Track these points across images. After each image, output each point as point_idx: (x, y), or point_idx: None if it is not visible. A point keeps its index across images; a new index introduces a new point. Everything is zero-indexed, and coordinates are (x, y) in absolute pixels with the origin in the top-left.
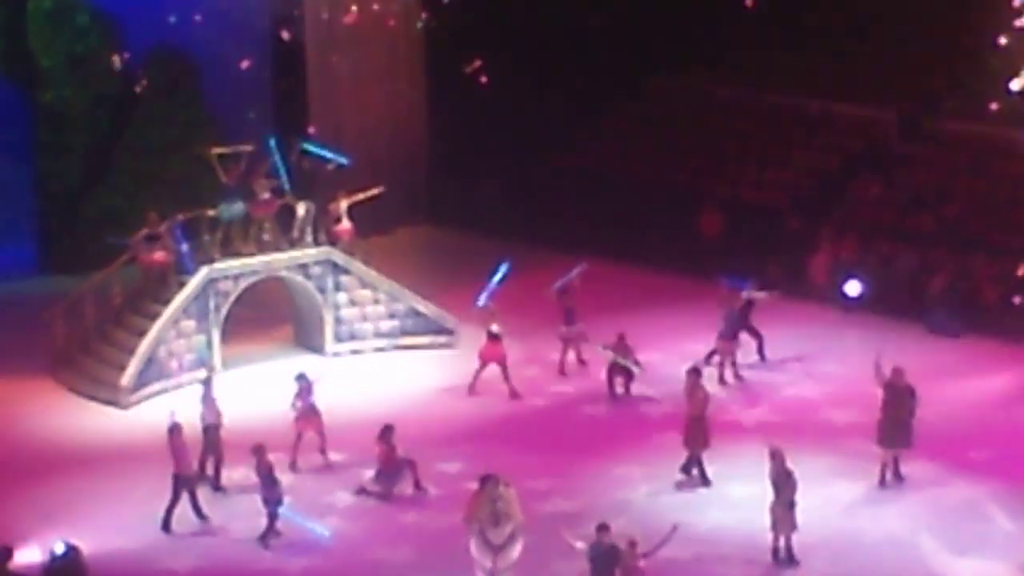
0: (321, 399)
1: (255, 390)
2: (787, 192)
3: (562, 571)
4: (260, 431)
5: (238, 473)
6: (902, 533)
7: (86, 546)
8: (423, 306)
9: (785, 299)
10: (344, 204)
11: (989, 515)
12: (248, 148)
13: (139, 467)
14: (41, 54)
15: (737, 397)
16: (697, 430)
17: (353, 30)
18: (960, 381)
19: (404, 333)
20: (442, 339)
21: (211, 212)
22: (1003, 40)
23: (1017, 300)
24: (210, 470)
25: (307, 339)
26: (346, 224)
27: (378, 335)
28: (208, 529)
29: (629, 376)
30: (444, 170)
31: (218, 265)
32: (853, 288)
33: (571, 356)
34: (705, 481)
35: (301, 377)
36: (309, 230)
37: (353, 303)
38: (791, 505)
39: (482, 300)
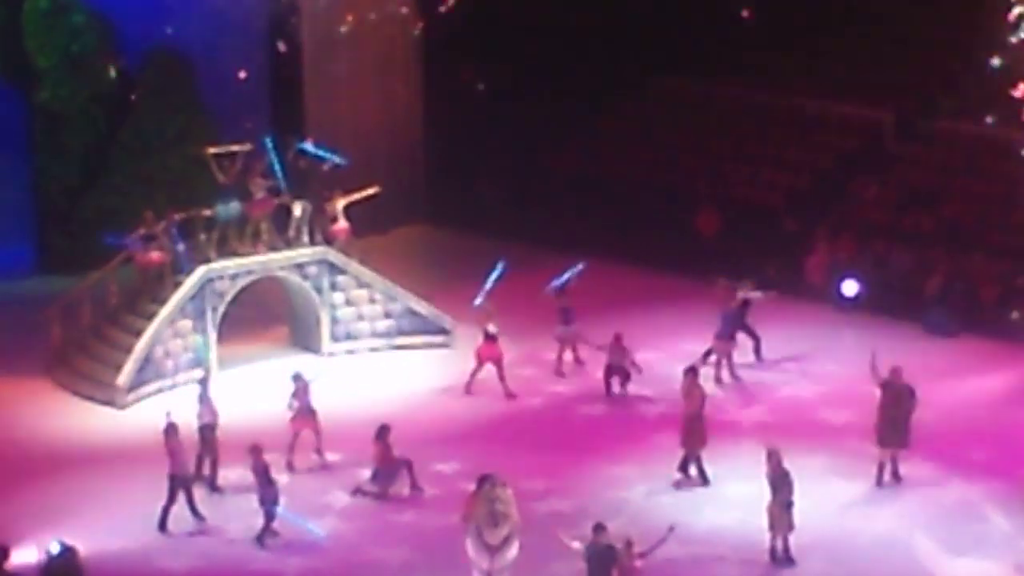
0: (317, 399)
1: (251, 390)
2: (784, 192)
3: (559, 571)
4: (256, 431)
5: (234, 473)
6: (899, 533)
7: (82, 546)
8: (420, 306)
9: (782, 299)
10: (341, 204)
11: (986, 515)
12: (245, 148)
13: (135, 467)
14: (37, 54)
15: (734, 397)
16: (694, 430)
17: (350, 29)
18: (957, 381)
19: (401, 333)
20: (439, 339)
21: (208, 212)
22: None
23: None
24: (206, 470)
25: (303, 339)
26: (343, 224)
27: (375, 335)
28: (204, 529)
29: (626, 376)
30: (441, 169)
31: (215, 265)
32: (850, 288)
33: (568, 356)
34: (704, 480)
35: (297, 377)
36: (305, 230)
37: (349, 303)
38: (788, 505)
39: (479, 300)
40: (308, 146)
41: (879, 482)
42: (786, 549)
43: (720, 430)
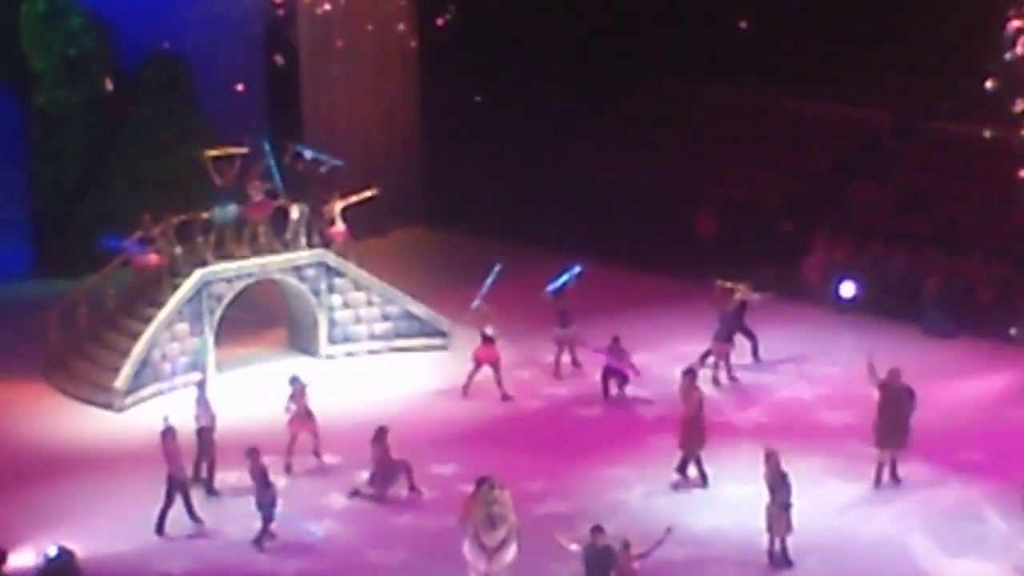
0: (315, 401)
1: (249, 393)
2: (781, 194)
3: (557, 573)
4: (254, 434)
5: (232, 476)
6: (897, 534)
7: (80, 549)
8: (417, 308)
9: (779, 300)
10: (338, 206)
11: (983, 516)
12: (242, 150)
13: (133, 470)
14: (34, 57)
15: (732, 399)
16: (693, 432)
17: (348, 32)
18: (954, 382)
19: (398, 335)
20: (436, 341)
21: (205, 215)
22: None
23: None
24: (204, 473)
25: (301, 342)
26: (340, 226)
27: (372, 337)
28: (202, 532)
29: (623, 378)
30: (438, 172)
31: (212, 268)
32: (847, 289)
33: (566, 358)
34: (704, 481)
35: (295, 380)
36: (303, 232)
37: (347, 305)
38: (786, 507)
39: (476, 302)
40: (305, 149)
41: (877, 483)
42: (784, 551)
43: (718, 432)
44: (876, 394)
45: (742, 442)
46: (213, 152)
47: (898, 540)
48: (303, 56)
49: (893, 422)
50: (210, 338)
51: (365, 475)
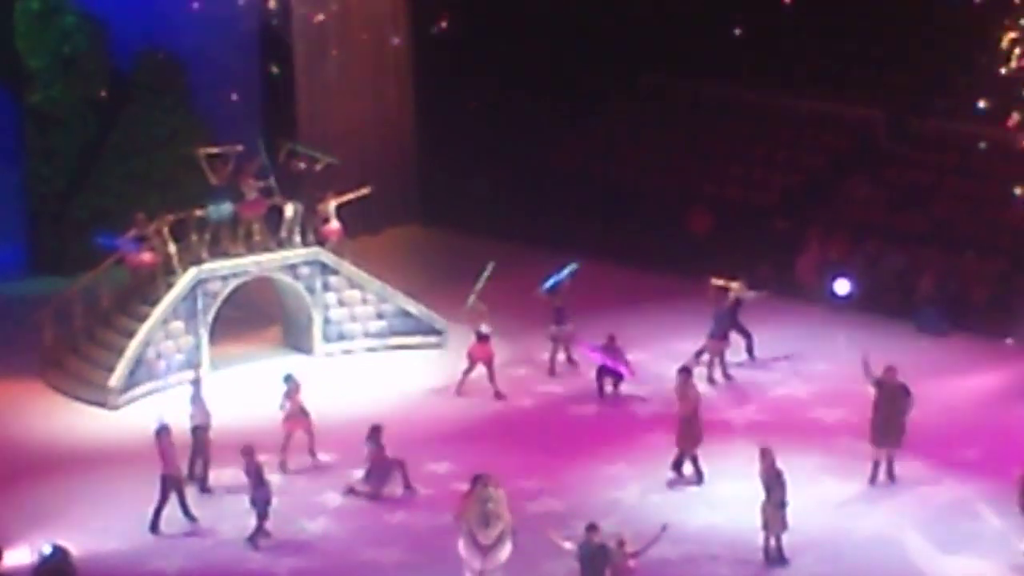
0: (310, 400)
1: (244, 391)
2: (776, 192)
3: (551, 571)
4: (249, 432)
5: (227, 474)
6: (892, 532)
7: (74, 547)
8: (412, 306)
9: (774, 298)
10: (333, 204)
11: (979, 513)
12: (237, 149)
13: (127, 468)
14: (28, 56)
15: (726, 396)
16: (689, 430)
17: (342, 29)
18: (949, 380)
19: (393, 333)
20: (431, 339)
21: (199, 213)
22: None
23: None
24: (198, 471)
25: (296, 340)
26: (335, 224)
27: (367, 335)
28: (197, 530)
29: (618, 376)
30: (433, 169)
31: (206, 266)
32: (842, 287)
33: (561, 356)
34: (700, 478)
35: (289, 378)
36: (298, 230)
37: (342, 303)
38: (782, 505)
39: (471, 300)
40: (299, 147)
41: (873, 481)
42: (779, 548)
43: (713, 429)
44: (871, 391)
45: (737, 440)
46: (208, 150)
47: (893, 538)
48: (297, 54)
49: (889, 420)
50: (204, 336)
51: (360, 473)
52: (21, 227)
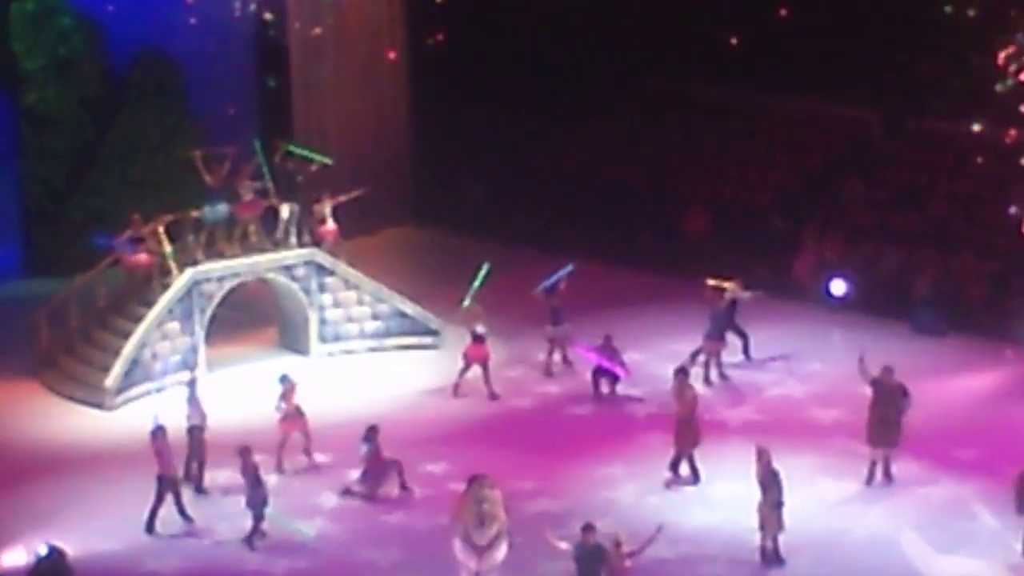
0: (306, 400)
1: (240, 392)
2: (772, 192)
3: (548, 571)
4: (245, 432)
5: (223, 475)
6: (888, 532)
7: (70, 548)
8: (408, 307)
9: (770, 299)
10: (328, 205)
11: (975, 514)
12: (232, 150)
13: (123, 469)
14: (24, 57)
15: (723, 397)
16: (686, 430)
17: (337, 31)
18: (945, 380)
19: (389, 334)
20: (427, 340)
21: (195, 214)
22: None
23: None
24: (194, 471)
25: (292, 341)
26: (330, 225)
27: (363, 336)
28: (193, 531)
29: (615, 376)
30: (428, 170)
31: (202, 267)
32: (838, 288)
33: (557, 356)
34: (696, 478)
35: (285, 378)
36: (293, 231)
37: (338, 304)
38: (778, 505)
39: (466, 301)
40: (295, 147)
41: (869, 481)
42: (776, 548)
43: (709, 430)
44: (868, 392)
45: (733, 440)
46: (203, 151)
47: (890, 538)
48: (293, 57)
49: (885, 420)
50: (200, 337)
51: (356, 474)
52: (17, 228)
